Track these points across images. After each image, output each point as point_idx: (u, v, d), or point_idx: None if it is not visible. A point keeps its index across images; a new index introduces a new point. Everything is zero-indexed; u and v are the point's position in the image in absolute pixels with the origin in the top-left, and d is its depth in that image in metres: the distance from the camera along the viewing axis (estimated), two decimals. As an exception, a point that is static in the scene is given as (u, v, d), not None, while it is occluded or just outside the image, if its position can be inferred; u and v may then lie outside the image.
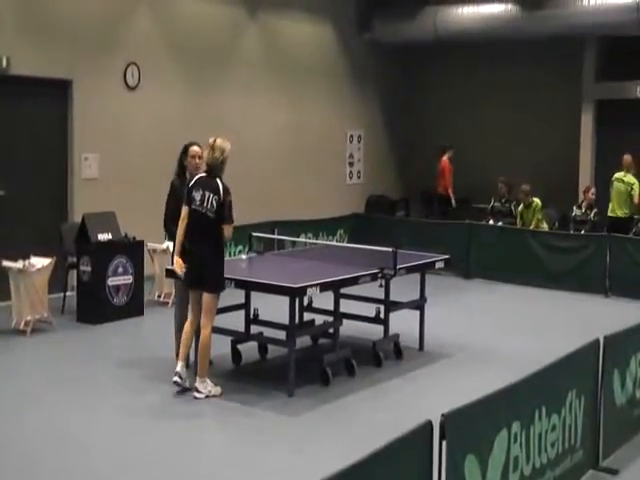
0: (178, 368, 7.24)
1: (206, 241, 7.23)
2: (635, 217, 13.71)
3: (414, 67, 18.22)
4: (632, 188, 13.32)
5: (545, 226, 14.15)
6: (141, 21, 12.58)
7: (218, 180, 7.22)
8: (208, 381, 7.23)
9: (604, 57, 16.14)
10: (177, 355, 7.48)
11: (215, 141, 7.23)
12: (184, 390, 7.25)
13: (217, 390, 7.27)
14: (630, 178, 13.36)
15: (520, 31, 15.13)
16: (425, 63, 18.16)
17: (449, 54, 17.49)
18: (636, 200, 13.31)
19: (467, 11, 15.47)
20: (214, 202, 7.15)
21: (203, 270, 7.23)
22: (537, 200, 14.10)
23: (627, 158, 13.55)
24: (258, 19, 14.65)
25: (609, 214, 13.60)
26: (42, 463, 5.98)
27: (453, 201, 16.41)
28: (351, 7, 16.64)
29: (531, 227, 13.89)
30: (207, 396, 7.18)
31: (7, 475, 5.74)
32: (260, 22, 14.71)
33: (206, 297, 7.23)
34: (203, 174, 7.34)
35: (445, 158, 16.48)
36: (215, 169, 7.24)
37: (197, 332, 7.33)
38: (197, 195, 7.23)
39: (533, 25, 14.91)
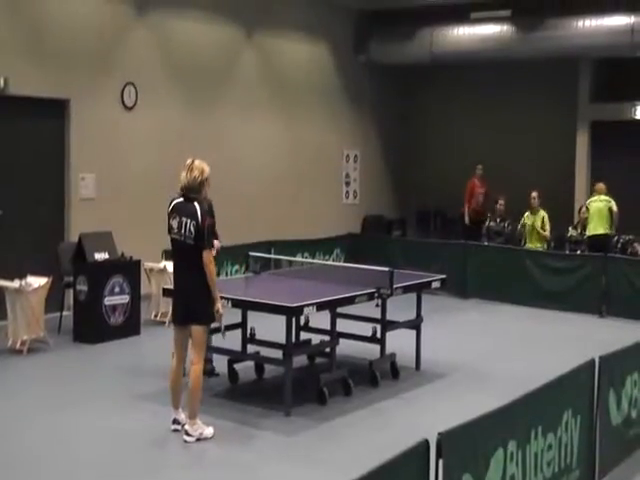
0: (175, 415, 6.96)
1: (189, 271, 6.72)
2: (613, 235, 13.90)
3: (410, 87, 18.33)
4: (610, 201, 13.60)
5: (547, 231, 14.18)
6: (138, 41, 12.65)
7: (196, 203, 6.69)
8: (199, 422, 6.77)
9: (599, 78, 16.26)
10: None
11: (193, 162, 6.73)
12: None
13: (209, 432, 6.79)
14: (604, 197, 13.72)
15: (516, 52, 15.24)
16: (421, 84, 18.26)
17: (445, 75, 17.61)
18: (615, 209, 13.54)
19: (463, 32, 15.57)
20: (192, 228, 6.63)
21: (189, 303, 6.76)
22: (543, 212, 14.25)
23: (601, 185, 13.92)
24: (255, 39, 14.74)
25: (589, 234, 13.76)
26: (38, 483, 5.98)
27: (466, 219, 15.98)
28: (347, 28, 16.75)
29: (535, 226, 14.05)
30: (198, 439, 6.71)
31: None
32: (257, 42, 14.79)
33: (195, 330, 6.75)
34: (180, 199, 6.80)
35: (474, 177, 16.12)
36: (193, 190, 6.70)
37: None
38: (174, 223, 6.76)
39: (529, 46, 15.02)
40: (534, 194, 14.29)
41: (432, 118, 18.36)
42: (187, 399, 6.84)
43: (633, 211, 14.42)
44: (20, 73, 11.01)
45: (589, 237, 13.79)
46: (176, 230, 6.79)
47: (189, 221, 6.69)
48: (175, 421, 6.95)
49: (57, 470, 6.18)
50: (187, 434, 6.74)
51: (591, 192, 14.59)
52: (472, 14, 15.53)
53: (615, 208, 13.54)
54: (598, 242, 13.49)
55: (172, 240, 6.90)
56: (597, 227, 13.64)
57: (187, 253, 6.74)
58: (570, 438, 5.49)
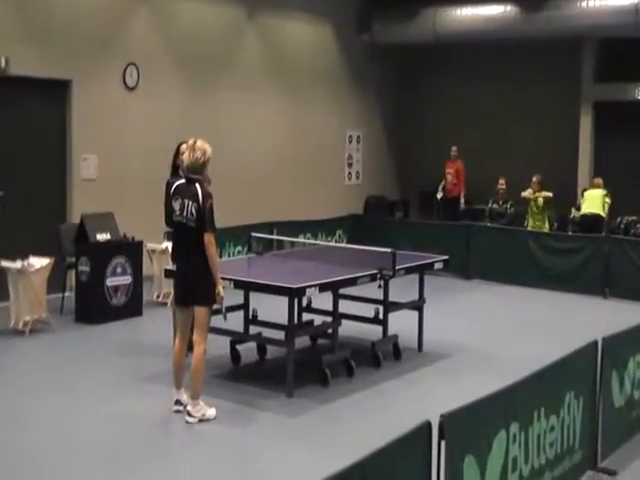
0: (177, 396, 6.96)
1: (191, 253, 6.73)
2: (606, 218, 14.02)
3: (413, 68, 18.24)
4: (606, 195, 13.83)
5: (549, 193, 14.25)
6: (140, 21, 12.59)
7: (197, 185, 6.71)
8: (202, 403, 6.79)
9: (603, 59, 16.16)
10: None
11: (195, 142, 6.75)
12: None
13: (211, 413, 6.81)
14: (601, 190, 13.95)
15: (519, 32, 15.15)
16: (424, 64, 18.16)
17: (448, 55, 17.50)
18: (609, 200, 13.81)
19: (466, 12, 15.49)
20: (193, 210, 6.67)
21: (192, 284, 6.77)
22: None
23: (599, 180, 14.19)
24: (257, 20, 14.66)
25: (583, 212, 14.00)
26: (40, 465, 5.98)
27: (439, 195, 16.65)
28: (350, 8, 16.65)
29: (536, 197, 14.24)
30: (201, 420, 6.73)
31: (2, 476, 5.75)
32: (259, 23, 14.72)
33: (198, 311, 6.78)
34: (182, 180, 6.90)
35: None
36: (195, 171, 6.72)
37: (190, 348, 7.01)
38: (176, 205, 6.80)
39: (532, 27, 14.92)
40: (534, 179, 14.27)
41: (435, 99, 18.26)
42: (189, 380, 6.85)
43: (636, 192, 14.39)
44: (21, 53, 10.96)
45: (581, 216, 14.05)
46: (178, 212, 6.80)
47: (191, 203, 6.71)
48: (177, 402, 6.95)
49: (59, 451, 6.20)
50: (189, 415, 6.75)
51: (590, 185, 14.75)
52: (475, -6, 15.44)
53: (609, 200, 13.78)
54: (589, 220, 13.71)
55: (173, 223, 6.92)
56: (590, 206, 13.85)
57: (189, 235, 6.75)
58: (573, 420, 5.49)
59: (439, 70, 18.18)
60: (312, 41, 15.91)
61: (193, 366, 6.80)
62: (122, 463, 5.99)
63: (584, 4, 14.28)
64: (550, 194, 14.25)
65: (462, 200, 16.43)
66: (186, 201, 6.74)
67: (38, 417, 6.87)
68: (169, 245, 8.18)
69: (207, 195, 6.73)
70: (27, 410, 7.03)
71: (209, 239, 6.67)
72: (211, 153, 6.84)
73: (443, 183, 16.51)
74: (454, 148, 16.48)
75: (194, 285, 6.78)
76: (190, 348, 7.00)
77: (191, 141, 6.86)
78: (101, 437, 6.46)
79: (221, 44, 14.02)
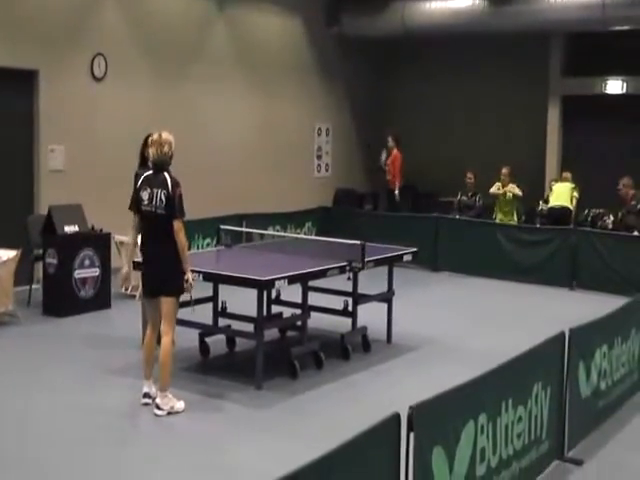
0: (145, 388, 6.93)
1: (160, 243, 6.74)
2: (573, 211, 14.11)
3: (382, 61, 18.26)
4: (574, 188, 13.95)
5: (518, 190, 14.33)
6: (108, 11, 12.48)
7: (165, 174, 6.75)
8: (170, 395, 6.77)
9: (571, 53, 16.29)
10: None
11: (161, 136, 6.78)
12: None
13: (180, 405, 6.79)
14: (570, 184, 14.08)
15: (487, 26, 15.21)
16: (393, 57, 18.20)
17: (417, 48, 17.54)
18: (577, 195, 13.92)
19: (435, 6, 15.50)
20: (163, 197, 6.69)
21: (161, 274, 6.77)
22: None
23: (567, 174, 14.40)
24: (227, 12, 14.59)
25: (551, 205, 14.08)
26: (6, 459, 5.93)
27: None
28: (319, 1, 16.61)
29: (505, 192, 14.30)
30: (169, 412, 6.70)
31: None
32: (229, 15, 14.65)
33: (165, 302, 6.75)
34: (149, 172, 6.88)
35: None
36: (164, 164, 6.78)
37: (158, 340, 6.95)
38: (145, 194, 6.79)
39: (500, 20, 14.99)
40: (505, 170, 14.35)
41: (404, 92, 18.30)
42: (158, 371, 6.83)
43: (603, 185, 14.50)
44: (-13, 43, 10.85)
45: (549, 208, 14.14)
46: (147, 202, 6.79)
47: (160, 191, 6.73)
48: (146, 395, 6.92)
49: (25, 445, 6.14)
50: (158, 408, 6.73)
51: (559, 177, 14.93)
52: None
53: (577, 194, 13.90)
54: (557, 213, 13.80)
55: (142, 213, 6.89)
56: (558, 199, 13.92)
57: (158, 224, 6.75)
58: (540, 410, 5.54)
59: (408, 63, 18.23)
60: (281, 33, 15.87)
61: (161, 358, 6.77)
62: (90, 456, 5.95)
63: (552, -2, 14.38)
64: (520, 193, 14.27)
65: (397, 192, 15.75)
66: (155, 190, 6.75)
67: (4, 410, 6.80)
68: (138, 237, 8.11)
69: (176, 183, 6.76)
70: (-7, 403, 6.98)
71: (179, 225, 6.69)
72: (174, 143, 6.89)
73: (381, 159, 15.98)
74: (389, 139, 15.87)
75: (162, 275, 6.78)
76: (159, 340, 6.97)
77: (155, 135, 6.85)
78: (67, 430, 6.41)
79: (190, 35, 13.95)
